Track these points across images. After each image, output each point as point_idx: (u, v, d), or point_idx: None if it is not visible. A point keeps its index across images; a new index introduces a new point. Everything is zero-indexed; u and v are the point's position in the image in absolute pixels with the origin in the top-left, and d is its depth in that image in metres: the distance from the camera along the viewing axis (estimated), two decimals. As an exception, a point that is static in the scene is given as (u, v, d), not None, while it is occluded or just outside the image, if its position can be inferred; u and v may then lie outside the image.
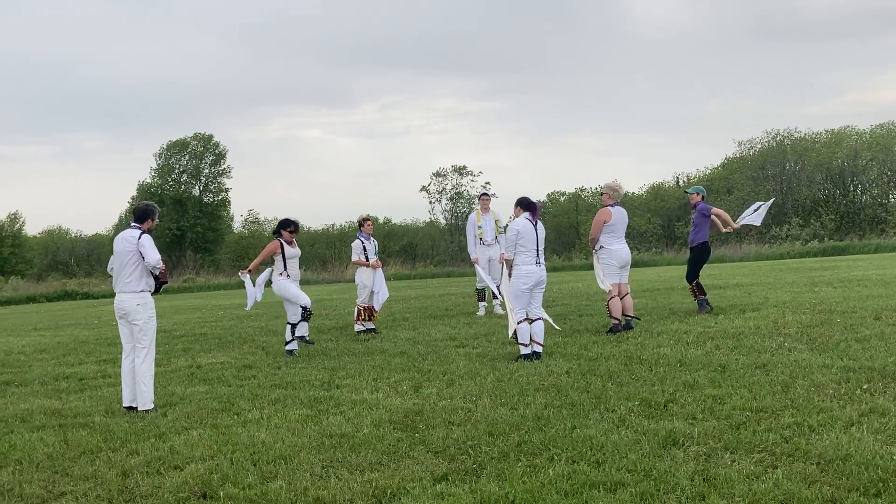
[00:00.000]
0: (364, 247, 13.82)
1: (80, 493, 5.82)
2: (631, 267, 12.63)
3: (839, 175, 48.08)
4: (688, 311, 13.70)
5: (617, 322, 11.79)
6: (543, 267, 10.30)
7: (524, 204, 10.41)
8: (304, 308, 11.88)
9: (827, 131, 50.37)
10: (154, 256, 8.38)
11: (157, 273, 8.53)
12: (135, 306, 8.48)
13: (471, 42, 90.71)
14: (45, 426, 7.96)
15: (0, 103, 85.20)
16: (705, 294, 13.46)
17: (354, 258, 13.85)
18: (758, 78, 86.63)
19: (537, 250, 10.17)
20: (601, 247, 11.93)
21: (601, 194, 12.27)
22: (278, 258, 11.81)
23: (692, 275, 13.43)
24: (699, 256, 13.47)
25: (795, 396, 7.08)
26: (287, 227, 11.99)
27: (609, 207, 11.92)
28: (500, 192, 54.81)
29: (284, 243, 11.83)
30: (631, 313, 12.06)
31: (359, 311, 13.88)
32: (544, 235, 10.41)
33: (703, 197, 13.70)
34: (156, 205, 8.91)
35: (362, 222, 14.20)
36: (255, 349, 12.83)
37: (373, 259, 13.83)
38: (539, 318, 10.17)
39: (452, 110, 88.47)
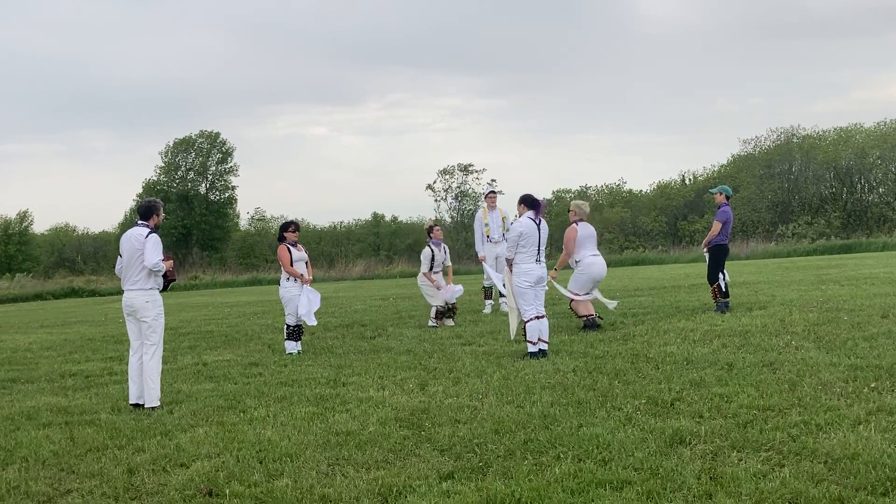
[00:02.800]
0: (433, 255, 13.85)
1: (86, 490, 5.82)
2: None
3: (846, 173, 47.94)
4: (694, 309, 13.67)
5: (590, 316, 12.15)
6: (543, 265, 10.32)
7: (528, 201, 10.40)
8: (287, 325, 11.85)
9: (834, 129, 50.23)
10: (152, 259, 8.35)
11: (164, 272, 8.53)
12: (143, 303, 8.48)
13: (476, 40, 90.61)
14: (51, 423, 7.98)
15: (6, 102, 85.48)
16: (727, 297, 13.35)
17: (424, 269, 13.90)
18: (765, 76, 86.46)
19: (538, 249, 10.20)
20: (577, 261, 12.41)
21: (569, 210, 12.92)
22: (286, 262, 11.78)
23: (712, 276, 13.33)
24: (716, 257, 13.37)
25: (803, 395, 7.06)
26: (288, 227, 11.97)
27: (574, 224, 12.48)
28: (505, 189, 54.70)
29: (291, 248, 11.79)
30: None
31: (437, 311, 13.98)
32: (547, 234, 10.42)
33: (727, 198, 13.61)
34: (159, 200, 8.90)
35: (431, 228, 14.25)
36: (261, 347, 12.84)
37: (443, 267, 14.00)
38: (545, 316, 10.18)
39: (458, 108, 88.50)
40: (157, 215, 8.70)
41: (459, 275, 37.74)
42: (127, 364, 8.87)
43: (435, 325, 13.94)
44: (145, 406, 8.42)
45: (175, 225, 56.21)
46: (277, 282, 12.08)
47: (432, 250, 13.81)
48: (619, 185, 54.72)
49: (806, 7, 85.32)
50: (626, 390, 7.70)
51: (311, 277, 11.97)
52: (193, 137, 59.33)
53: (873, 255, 31.00)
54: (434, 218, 13.90)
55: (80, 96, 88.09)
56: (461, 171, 55.24)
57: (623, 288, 19.79)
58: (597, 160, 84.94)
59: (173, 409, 8.27)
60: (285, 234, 11.90)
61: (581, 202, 12.81)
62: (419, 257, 14.50)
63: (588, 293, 12.37)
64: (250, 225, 62.08)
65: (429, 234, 14.17)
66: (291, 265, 11.72)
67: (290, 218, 40.32)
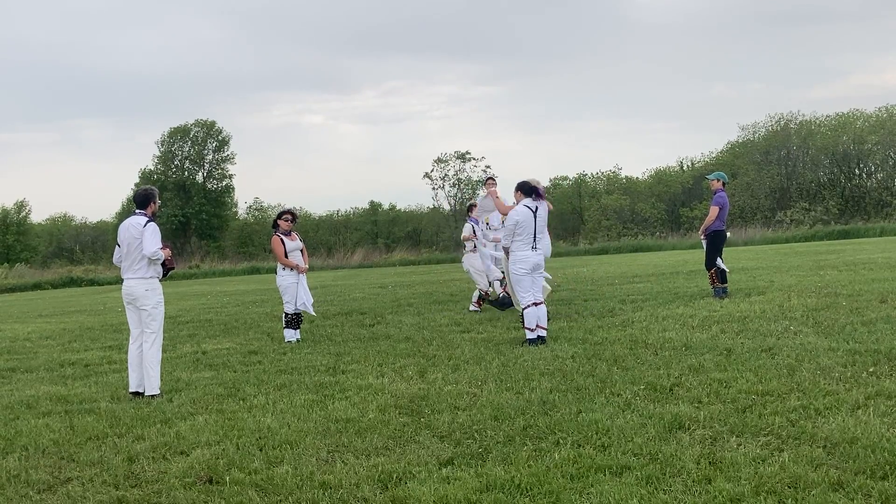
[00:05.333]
0: (474, 229, 14.39)
1: (87, 478, 5.83)
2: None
3: (844, 158, 47.91)
4: (693, 295, 13.68)
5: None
6: (541, 252, 10.31)
7: (525, 189, 10.38)
8: (286, 314, 11.83)
9: (836, 114, 50.12)
10: (151, 248, 8.34)
11: (163, 260, 8.53)
12: (143, 292, 8.48)
13: (472, 27, 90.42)
14: (50, 412, 7.98)
15: (2, 91, 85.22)
16: (725, 282, 13.36)
17: (465, 234, 14.54)
18: (763, 62, 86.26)
19: (534, 237, 10.17)
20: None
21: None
22: (280, 254, 11.76)
23: (710, 262, 13.36)
24: (713, 243, 13.39)
25: (801, 380, 7.07)
26: (281, 216, 11.93)
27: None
28: (503, 176, 54.75)
29: (284, 238, 11.74)
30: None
31: (479, 296, 14.23)
32: (545, 221, 10.39)
33: (724, 184, 13.61)
34: (155, 188, 8.89)
35: (471, 207, 14.90)
36: (260, 335, 12.84)
37: (480, 242, 14.40)
38: (543, 302, 10.18)
39: (455, 96, 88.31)
40: (154, 203, 8.69)
41: (458, 262, 37.76)
42: (126, 353, 8.87)
43: (477, 309, 14.02)
44: (145, 394, 8.42)
45: (173, 214, 56.17)
46: (275, 270, 12.06)
47: (472, 226, 14.39)
48: (615, 171, 54.66)
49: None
50: (624, 376, 7.71)
51: (307, 266, 11.96)
52: (189, 126, 59.16)
53: (871, 240, 31.03)
54: (474, 201, 15.00)
55: (74, 85, 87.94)
56: (458, 158, 55.16)
57: (622, 274, 19.80)
58: (593, 147, 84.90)
59: (173, 398, 8.27)
60: (278, 222, 11.88)
61: (536, 180, 12.73)
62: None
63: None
64: (248, 214, 62.06)
65: (469, 212, 14.82)
66: (286, 256, 11.69)
67: (287, 207, 40.32)
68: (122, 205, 57.73)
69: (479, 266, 14.17)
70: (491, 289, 14.02)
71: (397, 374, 8.72)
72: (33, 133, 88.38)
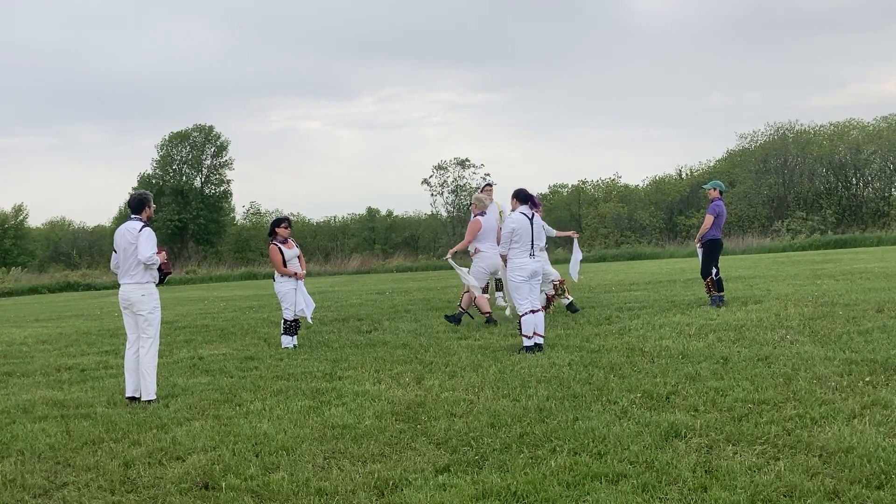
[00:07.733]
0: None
1: (83, 483, 5.82)
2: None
3: (841, 168, 48.01)
4: (689, 304, 13.69)
5: (462, 311, 13.14)
6: (538, 259, 10.32)
7: (521, 196, 10.42)
8: (285, 320, 11.82)
9: (832, 124, 50.24)
10: (145, 253, 8.35)
11: (158, 265, 8.53)
12: (139, 297, 8.48)
13: (471, 34, 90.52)
14: (47, 417, 7.97)
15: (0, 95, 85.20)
16: (722, 290, 13.39)
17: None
18: (760, 70, 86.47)
19: (532, 244, 10.19)
20: (476, 250, 13.13)
21: (470, 204, 13.72)
22: (279, 264, 11.76)
23: (705, 271, 13.39)
24: (709, 252, 13.42)
25: (797, 389, 7.08)
26: (280, 223, 11.91)
27: (479, 217, 13.21)
28: (501, 184, 54.77)
29: (281, 247, 11.72)
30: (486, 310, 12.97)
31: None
32: (541, 228, 10.44)
33: (721, 193, 13.65)
34: (149, 192, 8.89)
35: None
36: (256, 340, 12.84)
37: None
38: (541, 310, 10.20)
39: (452, 102, 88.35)
40: (149, 207, 8.68)
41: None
42: (123, 357, 8.86)
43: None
44: (141, 399, 8.42)
45: (171, 219, 56.15)
46: (272, 276, 12.06)
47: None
48: (614, 179, 54.74)
49: (800, 1, 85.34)
50: (621, 384, 7.72)
51: (304, 272, 11.96)
52: (188, 131, 59.21)
53: (868, 249, 31.09)
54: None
55: (74, 89, 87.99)
56: (458, 165, 55.22)
57: (619, 282, 19.82)
58: (592, 154, 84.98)
59: (169, 403, 8.26)
60: (277, 230, 11.84)
61: (483, 196, 13.47)
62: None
63: (485, 285, 13.22)
64: (245, 219, 62.05)
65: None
66: (284, 265, 11.66)
67: (283, 214, 40.25)
68: (120, 209, 57.67)
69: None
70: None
71: (394, 380, 8.72)
72: (31, 137, 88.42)
